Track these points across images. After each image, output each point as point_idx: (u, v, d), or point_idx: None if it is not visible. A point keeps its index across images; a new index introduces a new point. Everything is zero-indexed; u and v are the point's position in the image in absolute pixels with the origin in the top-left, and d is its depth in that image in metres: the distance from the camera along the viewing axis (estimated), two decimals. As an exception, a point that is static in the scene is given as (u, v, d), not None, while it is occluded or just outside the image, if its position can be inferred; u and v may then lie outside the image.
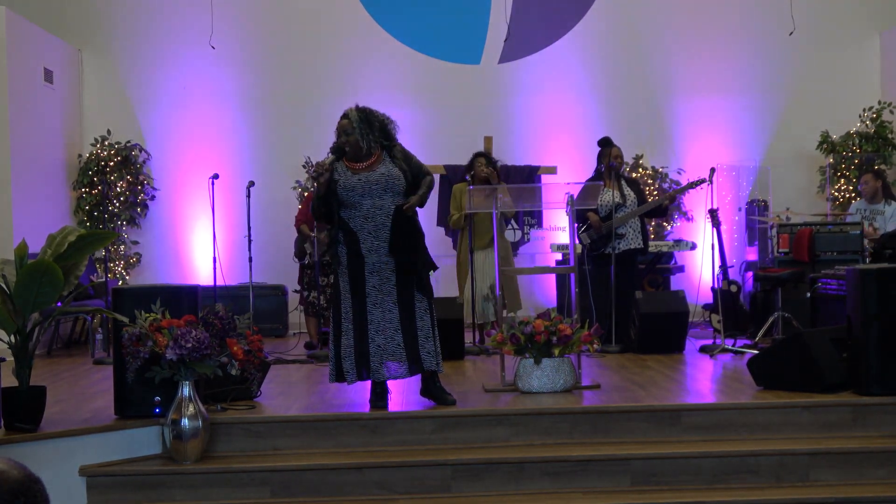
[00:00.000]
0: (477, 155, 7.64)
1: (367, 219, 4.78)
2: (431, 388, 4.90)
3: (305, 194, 9.16)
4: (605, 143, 7.47)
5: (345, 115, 4.86)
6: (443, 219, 9.60)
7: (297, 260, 7.88)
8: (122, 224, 9.87)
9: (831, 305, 6.94)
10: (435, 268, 4.97)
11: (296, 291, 8.28)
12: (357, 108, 4.87)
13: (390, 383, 5.05)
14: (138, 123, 10.06)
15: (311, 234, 7.55)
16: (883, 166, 9.68)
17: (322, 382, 5.88)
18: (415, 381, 5.34)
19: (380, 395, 4.90)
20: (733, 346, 6.98)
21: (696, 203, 9.75)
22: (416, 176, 4.92)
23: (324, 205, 4.80)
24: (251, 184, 7.65)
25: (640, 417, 4.69)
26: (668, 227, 10.10)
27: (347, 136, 4.82)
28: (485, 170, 7.47)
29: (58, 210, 9.53)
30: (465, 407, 4.81)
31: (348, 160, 4.85)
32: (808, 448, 4.50)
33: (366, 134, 4.82)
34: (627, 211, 7.32)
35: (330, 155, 4.83)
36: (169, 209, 10.08)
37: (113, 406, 4.69)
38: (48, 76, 9.32)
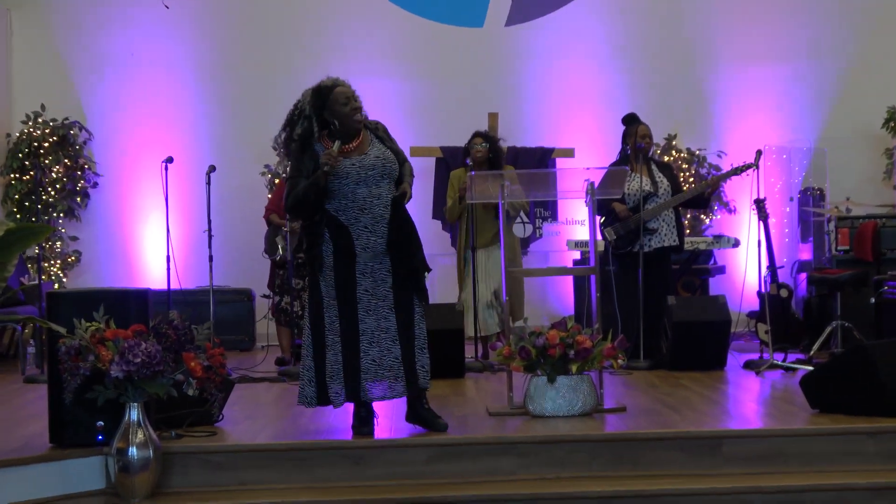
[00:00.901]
0: (475, 134, 7.63)
1: (363, 210, 4.76)
2: (420, 411, 4.90)
3: (277, 182, 9.15)
4: (630, 121, 7.46)
5: (339, 83, 4.82)
6: (439, 211, 9.59)
7: (267, 256, 7.86)
8: (58, 216, 9.85)
9: (900, 313, 6.95)
10: (428, 269, 4.97)
11: (265, 296, 8.26)
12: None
13: (377, 405, 5.04)
14: (78, 97, 10.04)
15: (282, 223, 7.53)
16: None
17: (295, 405, 5.87)
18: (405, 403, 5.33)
19: (364, 420, 4.89)
20: (783, 361, 6.98)
21: (740, 192, 9.75)
22: (401, 161, 4.93)
23: (320, 198, 4.73)
24: (212, 169, 7.63)
25: (672, 446, 4.69)
26: (707, 221, 10.10)
27: (356, 105, 4.78)
28: (481, 150, 7.45)
29: (-18, 200, 9.50)
30: (466, 433, 4.80)
31: (339, 137, 4.81)
32: (872, 482, 4.50)
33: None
34: (660, 201, 7.32)
35: (336, 141, 4.73)
36: (114, 199, 10.06)
37: (47, 432, 4.67)
38: (-30, 41, 9.29)
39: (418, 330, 4.86)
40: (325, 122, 4.82)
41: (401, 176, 4.90)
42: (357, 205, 4.76)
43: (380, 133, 4.92)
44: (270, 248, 7.84)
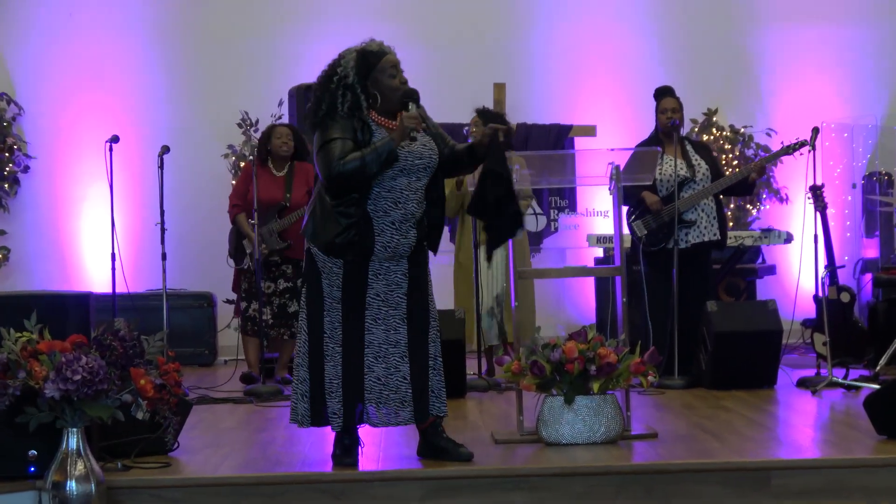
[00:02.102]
0: (475, 112, 7.63)
1: (396, 204, 4.74)
2: (437, 441, 4.90)
3: (242, 165, 9.15)
4: (659, 94, 7.47)
5: (387, 49, 4.82)
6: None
7: (232, 263, 7.86)
8: (-18, 207, 9.85)
9: (983, 321, 6.94)
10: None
11: (229, 302, 8.25)
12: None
13: (362, 431, 5.04)
14: (5, 66, 10.03)
15: (250, 233, 7.53)
16: None
17: (265, 430, 5.87)
18: (397, 428, 5.32)
19: (347, 449, 4.89)
20: (845, 378, 6.99)
21: (793, 177, 9.76)
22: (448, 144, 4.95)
23: (385, 169, 4.65)
24: (165, 150, 7.63)
25: (713, 479, 4.69)
26: (754, 212, 10.10)
27: (404, 78, 4.80)
28: (473, 129, 7.44)
29: None
30: (468, 464, 4.80)
31: (379, 113, 4.79)
32: (949, 522, 4.51)
33: None
34: (698, 188, 7.32)
35: (412, 104, 4.73)
36: (49, 185, 10.05)
37: (-30, 463, 4.67)
38: None
39: (433, 347, 4.88)
40: (368, 94, 4.78)
41: (453, 151, 4.90)
42: (392, 196, 4.75)
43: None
44: (236, 254, 7.83)
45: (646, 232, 7.33)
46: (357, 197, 4.71)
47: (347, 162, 4.62)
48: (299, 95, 8.67)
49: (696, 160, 7.40)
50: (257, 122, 9.50)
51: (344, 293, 4.78)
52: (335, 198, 4.73)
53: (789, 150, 7.42)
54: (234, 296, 8.12)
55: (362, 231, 4.71)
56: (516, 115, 9.58)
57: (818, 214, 7.16)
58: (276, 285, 7.68)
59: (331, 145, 4.66)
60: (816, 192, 7.17)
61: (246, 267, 7.75)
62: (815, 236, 7.15)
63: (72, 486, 4.32)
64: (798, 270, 7.42)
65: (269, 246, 7.55)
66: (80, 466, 4.34)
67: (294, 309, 7.70)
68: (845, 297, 7.42)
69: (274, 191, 7.67)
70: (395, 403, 4.80)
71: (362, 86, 4.75)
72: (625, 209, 7.29)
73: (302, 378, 4.85)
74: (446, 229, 9.52)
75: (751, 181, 7.41)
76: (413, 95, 4.77)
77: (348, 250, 4.72)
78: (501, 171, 4.84)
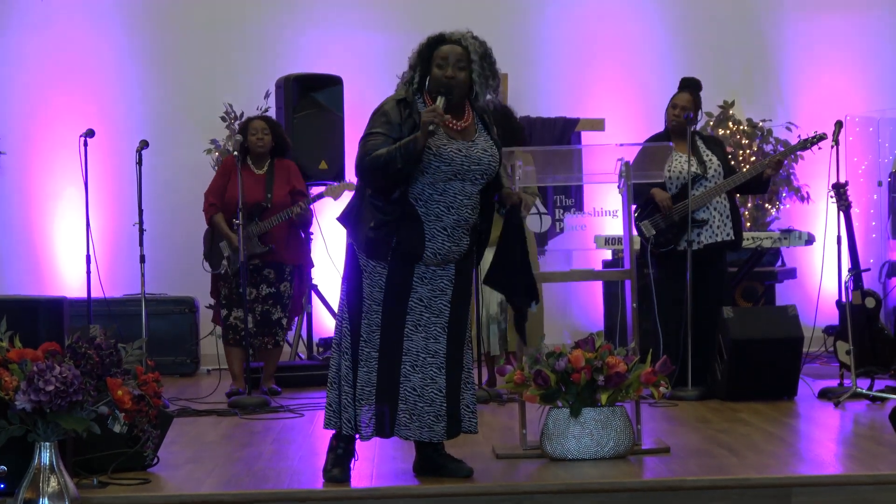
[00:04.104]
0: None
1: (449, 209, 4.78)
2: (435, 456, 4.92)
3: (223, 160, 9.14)
4: (680, 86, 7.48)
5: (455, 40, 4.82)
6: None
7: (207, 268, 7.83)
8: (-52, 206, 9.85)
9: None
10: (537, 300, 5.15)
11: (210, 307, 8.24)
12: (471, 33, 4.87)
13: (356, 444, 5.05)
14: (-27, 54, 10.04)
15: (229, 234, 7.51)
16: None
17: (251, 444, 5.87)
18: (391, 442, 5.34)
19: (339, 460, 4.89)
20: (869, 389, 6.99)
21: (814, 174, 9.76)
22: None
23: (411, 167, 4.68)
24: (143, 145, 7.62)
25: (729, 497, 4.69)
26: (773, 212, 10.10)
27: (451, 74, 4.78)
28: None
29: None
30: (468, 481, 4.81)
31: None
32: (981, 542, 4.51)
33: (484, 81, 4.84)
34: (710, 185, 7.33)
35: (440, 97, 4.74)
36: (19, 182, 10.04)
37: (-65, 480, 4.67)
38: None
39: (466, 359, 4.93)
40: (422, 76, 4.87)
41: (498, 175, 4.96)
42: (445, 200, 4.78)
43: (486, 118, 4.92)
44: (212, 258, 7.79)
45: (654, 232, 7.33)
46: (396, 197, 4.75)
47: (373, 157, 4.68)
48: (287, 87, 8.67)
49: (708, 156, 7.41)
50: (242, 115, 9.47)
51: (386, 296, 4.81)
52: (375, 192, 4.80)
53: (806, 144, 7.43)
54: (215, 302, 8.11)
55: (406, 232, 4.74)
56: (519, 108, 9.55)
57: (841, 214, 7.16)
58: (258, 291, 7.66)
59: (366, 139, 4.77)
60: (840, 191, 7.17)
61: (222, 272, 7.72)
62: (839, 237, 7.15)
63: (45, 503, 4.33)
64: (820, 274, 7.42)
65: (249, 250, 7.52)
66: (53, 483, 4.34)
67: (278, 316, 7.71)
68: (870, 303, 7.43)
69: (254, 190, 7.65)
70: (429, 417, 4.83)
71: (422, 67, 4.85)
72: (634, 208, 7.30)
73: (348, 380, 4.85)
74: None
75: (765, 177, 7.41)
76: (442, 88, 4.77)
77: (385, 251, 4.74)
78: (518, 245, 4.99)
